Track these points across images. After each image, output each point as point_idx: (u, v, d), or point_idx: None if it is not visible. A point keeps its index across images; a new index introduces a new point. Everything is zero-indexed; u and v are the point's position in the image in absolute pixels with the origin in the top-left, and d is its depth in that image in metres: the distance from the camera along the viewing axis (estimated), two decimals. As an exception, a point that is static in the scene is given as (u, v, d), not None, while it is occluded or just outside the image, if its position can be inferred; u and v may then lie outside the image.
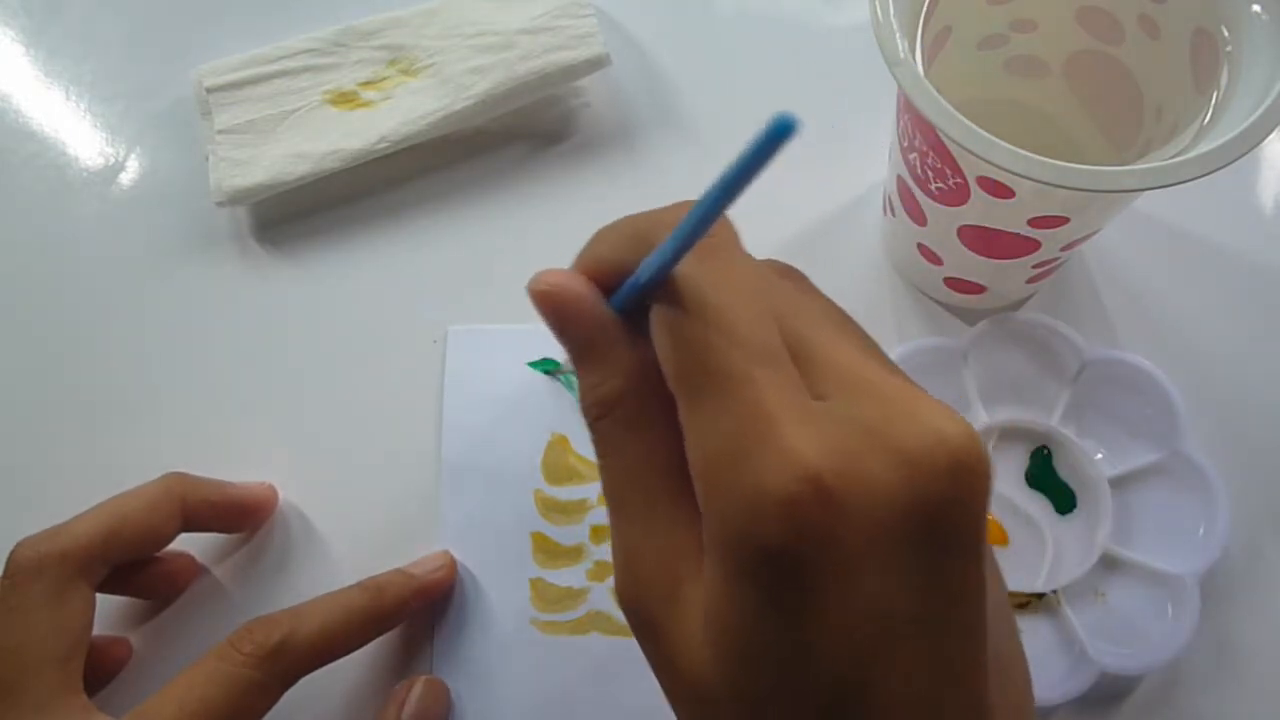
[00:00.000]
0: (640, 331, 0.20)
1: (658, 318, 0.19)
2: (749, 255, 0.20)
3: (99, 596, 0.30)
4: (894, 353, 0.35)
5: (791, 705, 0.17)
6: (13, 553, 0.29)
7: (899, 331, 0.38)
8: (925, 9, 0.29)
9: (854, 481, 0.16)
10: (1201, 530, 0.33)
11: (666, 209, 0.20)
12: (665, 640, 0.18)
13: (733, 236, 0.20)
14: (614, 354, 0.20)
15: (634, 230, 0.20)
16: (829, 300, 0.22)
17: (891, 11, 0.27)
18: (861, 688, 0.17)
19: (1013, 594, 0.34)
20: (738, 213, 0.18)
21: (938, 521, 0.17)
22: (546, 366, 0.38)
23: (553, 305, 0.20)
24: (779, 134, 0.14)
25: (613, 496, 0.20)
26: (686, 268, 0.18)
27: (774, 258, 0.22)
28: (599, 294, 0.20)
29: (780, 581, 0.16)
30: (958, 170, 0.29)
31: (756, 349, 0.18)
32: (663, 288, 0.18)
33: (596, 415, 0.20)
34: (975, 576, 0.17)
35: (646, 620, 0.19)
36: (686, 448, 0.18)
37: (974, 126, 0.25)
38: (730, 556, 0.17)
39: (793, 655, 0.17)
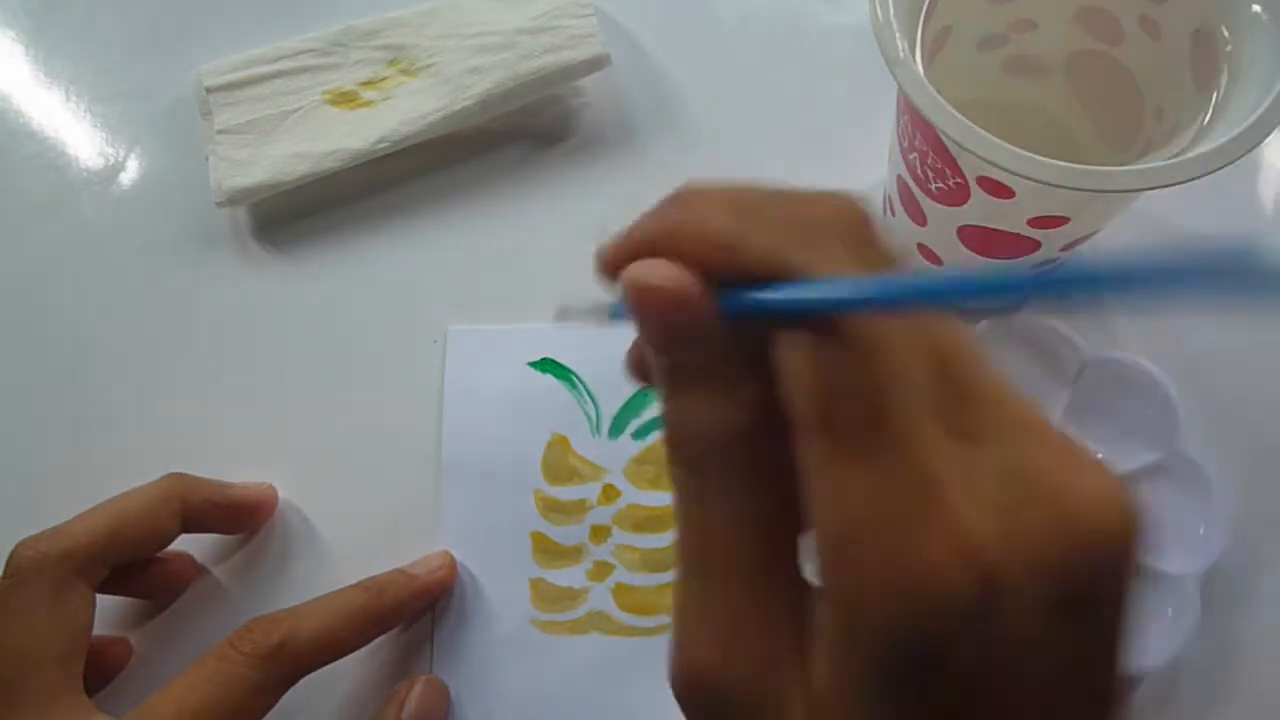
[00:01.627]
0: (749, 351, 0.16)
1: (803, 343, 0.15)
2: None
3: (99, 596, 0.30)
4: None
5: None
6: (13, 553, 0.29)
7: (899, 331, 0.38)
8: (925, 9, 0.29)
9: (1011, 552, 0.14)
10: (1201, 530, 0.33)
11: (810, 201, 0.16)
12: None
13: (892, 254, 0.16)
14: (733, 382, 0.16)
15: (770, 218, 0.16)
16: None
17: (891, 11, 0.27)
18: None
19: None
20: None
21: (1098, 595, 0.14)
22: (546, 367, 0.38)
23: (666, 312, 0.15)
24: (1251, 262, 0.10)
25: (695, 551, 0.16)
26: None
27: None
28: (712, 299, 0.15)
29: (925, 675, 0.14)
30: (958, 170, 0.29)
31: (925, 402, 0.14)
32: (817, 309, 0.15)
33: (694, 454, 0.16)
34: (1121, 648, 0.15)
35: (728, 705, 0.15)
36: (816, 505, 0.15)
37: (974, 126, 0.25)
38: (866, 647, 0.14)
39: None
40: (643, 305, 0.15)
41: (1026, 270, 0.13)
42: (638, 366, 0.19)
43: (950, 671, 0.14)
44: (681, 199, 0.16)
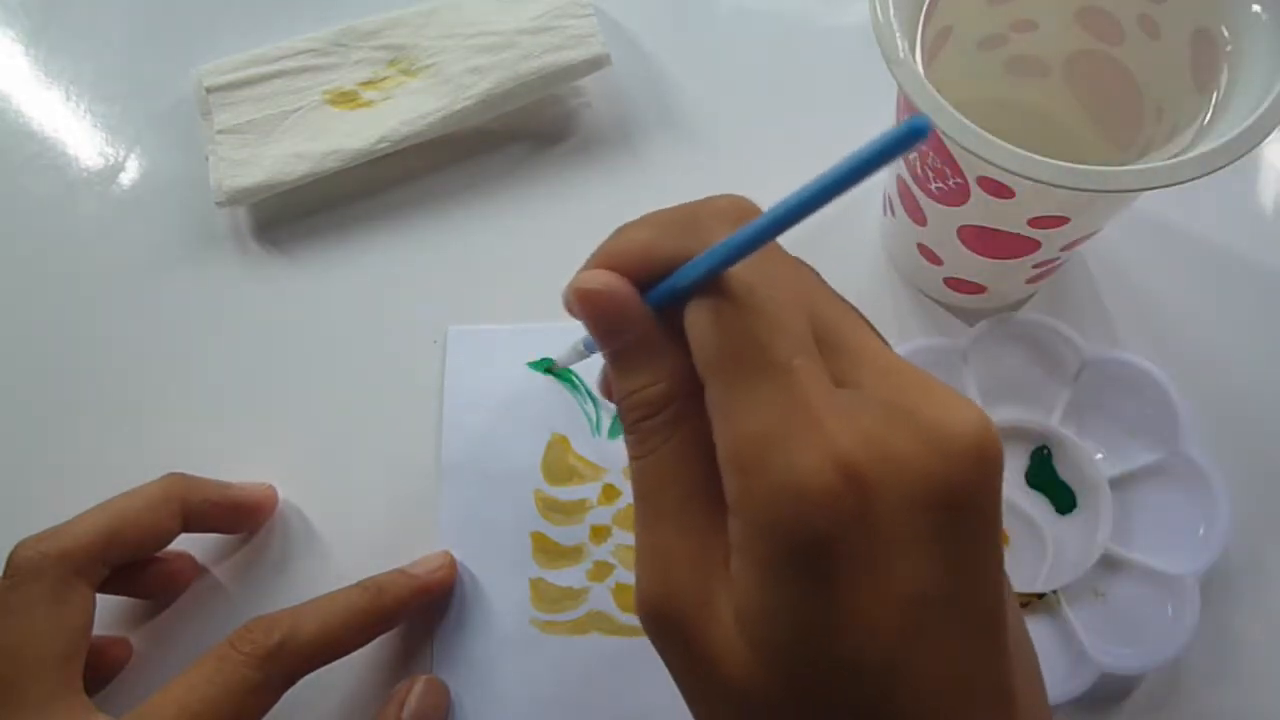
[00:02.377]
0: (674, 331, 0.19)
1: (698, 305, 0.18)
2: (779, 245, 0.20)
3: (99, 596, 0.30)
4: (894, 353, 0.35)
5: (831, 691, 0.17)
6: (13, 553, 0.29)
7: (899, 331, 0.38)
8: (925, 9, 0.29)
9: (886, 465, 0.17)
10: (1201, 530, 0.33)
11: (703, 202, 0.20)
12: (699, 643, 0.18)
13: None
14: (660, 356, 0.20)
15: (678, 221, 0.20)
16: (838, 292, 0.22)
17: (891, 11, 0.27)
18: (897, 670, 0.17)
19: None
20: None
21: (964, 505, 0.17)
22: (547, 366, 0.38)
23: (602, 308, 0.20)
24: (914, 135, 0.14)
25: (644, 496, 0.20)
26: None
27: None
28: (638, 294, 0.20)
29: (815, 568, 0.17)
30: (958, 170, 0.29)
31: (797, 339, 0.18)
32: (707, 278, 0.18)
33: (640, 417, 0.20)
34: (997, 560, 0.18)
35: (676, 623, 0.19)
36: (716, 437, 0.18)
37: (974, 126, 0.25)
38: (763, 545, 0.17)
39: (829, 641, 0.17)
40: (582, 305, 0.20)
41: (828, 176, 0.16)
42: (608, 387, 0.23)
43: (839, 562, 0.17)
44: (616, 231, 0.21)
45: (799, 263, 0.22)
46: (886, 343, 0.21)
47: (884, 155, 0.15)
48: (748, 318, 0.18)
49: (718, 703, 0.19)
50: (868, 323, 0.21)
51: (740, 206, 0.20)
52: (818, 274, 0.22)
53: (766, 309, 0.18)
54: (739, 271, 0.18)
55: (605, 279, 0.19)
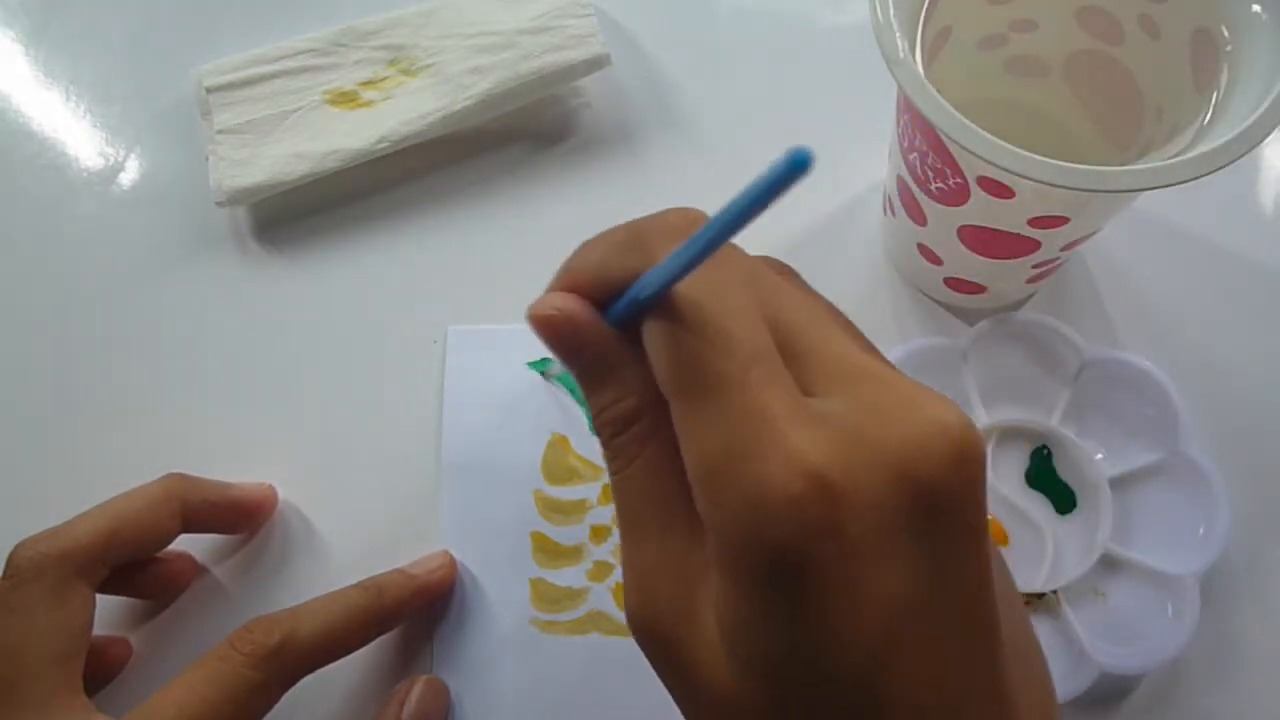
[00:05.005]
0: (637, 343, 0.19)
1: (651, 329, 0.19)
2: (739, 250, 0.20)
3: (99, 596, 0.30)
4: (894, 353, 0.35)
5: (815, 702, 0.17)
6: (13, 553, 0.29)
7: (899, 331, 0.38)
8: (925, 9, 0.29)
9: (855, 474, 0.16)
10: (1201, 530, 0.33)
11: (653, 218, 0.20)
12: (684, 658, 0.18)
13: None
14: (624, 372, 0.20)
15: (626, 240, 0.20)
16: (819, 296, 0.22)
17: (891, 11, 0.27)
18: (881, 678, 0.17)
19: (1013, 594, 0.34)
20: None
21: (940, 507, 0.17)
22: (545, 367, 0.38)
23: (558, 331, 0.20)
24: (795, 169, 0.14)
25: (627, 513, 0.20)
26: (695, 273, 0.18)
27: (771, 256, 0.22)
28: (596, 313, 0.20)
29: (790, 581, 0.16)
30: (958, 170, 0.29)
31: (751, 352, 0.17)
32: (655, 298, 0.19)
33: (612, 433, 0.20)
34: (981, 564, 0.17)
35: (663, 640, 0.19)
36: (684, 454, 0.18)
37: (974, 126, 0.25)
38: (737, 561, 0.17)
39: (810, 653, 0.17)
40: (538, 329, 0.20)
41: (756, 187, 0.15)
42: None
43: (814, 572, 0.16)
44: (575, 251, 0.21)
45: (761, 268, 0.21)
46: (868, 342, 0.21)
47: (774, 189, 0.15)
48: (697, 334, 0.18)
49: (701, 710, 0.19)
50: (844, 323, 0.21)
51: (691, 219, 0.20)
52: (797, 277, 0.22)
53: (716, 323, 0.18)
54: (688, 288, 0.18)
55: (559, 302, 0.20)
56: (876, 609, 0.16)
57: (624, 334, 0.20)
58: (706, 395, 0.17)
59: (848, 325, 0.21)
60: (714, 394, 0.17)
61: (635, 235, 0.20)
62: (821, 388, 0.18)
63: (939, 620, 0.17)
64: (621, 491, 0.20)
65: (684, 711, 0.19)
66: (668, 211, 0.20)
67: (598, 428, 0.20)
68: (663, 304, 0.18)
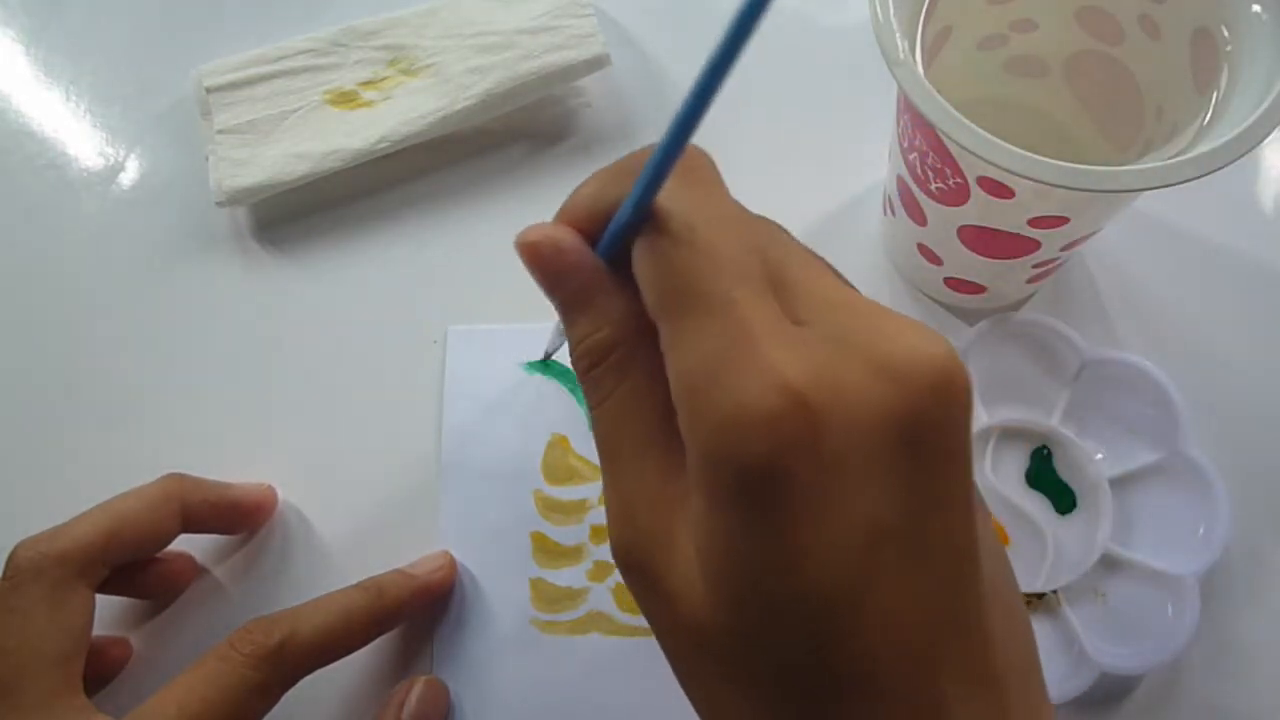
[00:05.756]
0: (626, 279, 0.20)
1: (641, 246, 0.19)
2: (730, 195, 0.20)
3: (99, 597, 0.30)
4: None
5: (787, 626, 0.17)
6: (12, 553, 0.29)
7: (899, 331, 0.38)
8: (925, 9, 0.29)
9: (835, 394, 0.16)
10: (1201, 530, 0.33)
11: (644, 149, 0.20)
12: (661, 585, 0.18)
13: (716, 173, 0.20)
14: (604, 302, 0.20)
15: (617, 168, 0.20)
16: (804, 245, 0.22)
17: (891, 11, 0.27)
18: (851, 604, 0.16)
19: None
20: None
21: (921, 435, 0.16)
22: (540, 365, 0.38)
23: (540, 257, 0.20)
24: (754, 8, 0.14)
25: (605, 444, 0.20)
26: (670, 197, 0.18)
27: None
28: (585, 243, 0.20)
29: (764, 498, 0.16)
30: (958, 170, 0.29)
31: (739, 273, 0.18)
32: (647, 220, 0.19)
33: (589, 365, 0.20)
34: (962, 494, 0.17)
35: (641, 568, 0.19)
36: (668, 373, 0.18)
37: (974, 126, 0.25)
38: (713, 478, 0.17)
39: (781, 574, 0.16)
40: (524, 255, 0.20)
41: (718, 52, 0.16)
42: None
43: (789, 490, 0.16)
44: (575, 189, 0.21)
45: (758, 216, 0.21)
46: (852, 287, 0.21)
47: (753, 15, 0.15)
48: (688, 252, 0.18)
49: (681, 641, 0.18)
50: (833, 270, 0.21)
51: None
52: (780, 227, 0.22)
53: (707, 243, 0.18)
54: (681, 212, 0.18)
55: (546, 230, 0.20)
56: (850, 531, 0.16)
57: (615, 269, 0.20)
58: (692, 312, 0.17)
59: (832, 267, 0.21)
60: (699, 311, 0.17)
61: (626, 161, 0.20)
62: (806, 316, 0.18)
63: (919, 550, 0.17)
64: (600, 424, 0.20)
65: (663, 645, 0.19)
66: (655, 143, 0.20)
67: (576, 360, 0.20)
68: (653, 224, 0.18)
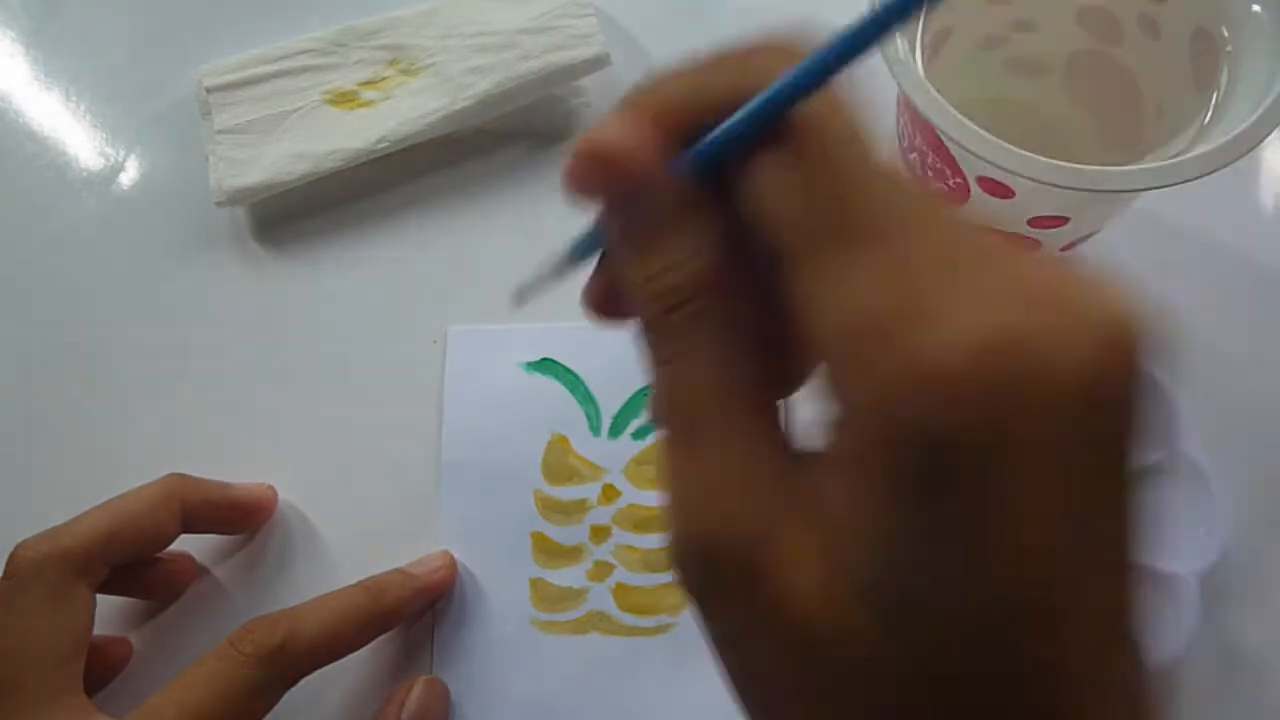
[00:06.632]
0: (711, 205, 0.16)
1: (776, 161, 0.15)
2: None
3: (99, 597, 0.30)
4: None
5: (960, 645, 0.13)
6: (13, 553, 0.29)
7: (899, 331, 0.38)
8: (925, 9, 0.29)
9: (1031, 354, 0.13)
10: (1201, 530, 0.33)
11: (754, 39, 0.16)
12: (764, 590, 0.14)
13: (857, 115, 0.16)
14: (692, 231, 0.16)
15: (719, 58, 0.16)
16: None
17: (891, 11, 0.27)
18: (1045, 619, 0.13)
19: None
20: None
21: (1124, 412, 0.13)
22: (546, 367, 0.38)
23: (612, 167, 0.15)
24: None
25: (677, 411, 0.16)
26: (823, 109, 0.15)
27: None
28: (664, 150, 0.15)
29: (947, 481, 0.13)
30: (958, 170, 0.29)
31: (919, 199, 0.14)
32: (782, 130, 0.15)
33: (663, 310, 0.16)
34: (1138, 496, 0.14)
35: (735, 566, 0.15)
36: (808, 318, 0.14)
37: (974, 126, 0.25)
38: (885, 452, 0.13)
39: (961, 581, 0.13)
40: (589, 164, 0.15)
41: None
42: (598, 302, 0.19)
43: (983, 472, 0.13)
44: (657, 77, 0.16)
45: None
46: None
47: None
48: (857, 174, 0.14)
49: (789, 660, 0.14)
50: None
51: (799, 41, 0.16)
52: None
53: (875, 168, 0.14)
54: (838, 129, 0.15)
55: (619, 129, 0.15)
56: (1049, 533, 0.13)
57: (694, 190, 0.16)
58: (859, 249, 0.14)
59: None
60: (870, 248, 0.14)
61: (739, 54, 0.16)
62: (975, 266, 0.14)
63: (1122, 555, 0.14)
64: (673, 387, 0.16)
65: (746, 661, 0.15)
66: (764, 33, 0.16)
67: (644, 301, 0.16)
68: (794, 136, 0.15)
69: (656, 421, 0.16)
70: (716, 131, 0.15)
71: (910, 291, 0.13)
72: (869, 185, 0.14)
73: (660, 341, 0.16)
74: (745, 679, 0.16)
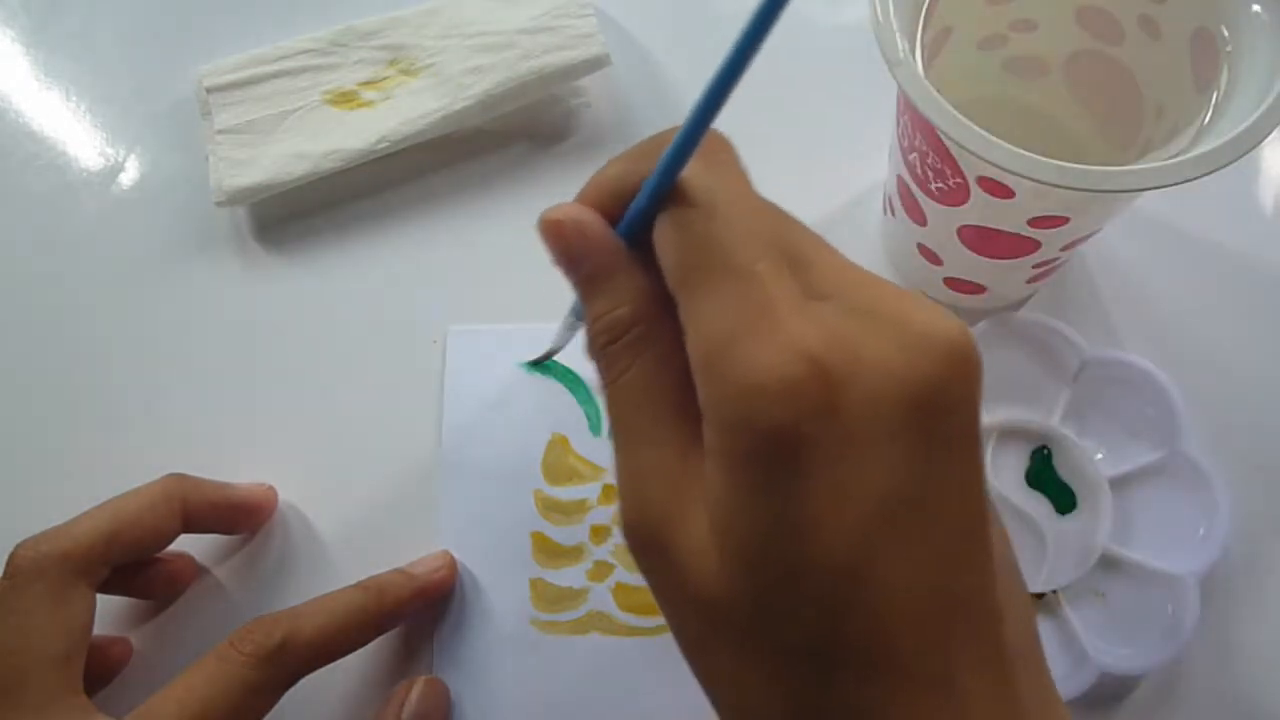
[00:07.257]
0: (644, 261, 0.20)
1: (664, 219, 0.19)
2: (749, 179, 0.20)
3: (99, 597, 0.30)
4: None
5: (797, 596, 0.17)
6: (13, 554, 0.29)
7: (899, 331, 0.38)
8: (925, 9, 0.29)
9: (855, 364, 0.16)
10: (1201, 530, 0.33)
11: (667, 130, 0.20)
12: (672, 558, 0.18)
13: (737, 157, 0.20)
14: (624, 279, 0.20)
15: (640, 149, 0.20)
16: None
17: (891, 11, 0.27)
18: (863, 573, 0.16)
19: (1013, 594, 0.33)
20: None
21: (938, 408, 0.17)
22: (547, 367, 0.38)
23: (563, 236, 0.20)
24: (775, 3, 0.15)
25: (619, 420, 0.20)
26: (693, 173, 0.19)
27: None
28: (606, 223, 0.20)
29: (780, 464, 0.16)
30: (958, 170, 0.29)
31: (761, 246, 0.18)
32: (670, 194, 0.19)
33: (605, 341, 0.20)
34: (975, 472, 0.18)
35: (652, 541, 0.19)
36: (687, 343, 0.18)
37: (974, 126, 0.25)
38: (730, 444, 0.17)
39: (795, 541, 0.16)
40: (546, 233, 0.20)
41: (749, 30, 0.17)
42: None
43: (806, 457, 0.16)
44: (596, 172, 0.21)
45: (770, 202, 0.21)
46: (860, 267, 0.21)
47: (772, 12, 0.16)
48: (711, 224, 0.18)
49: (689, 614, 0.19)
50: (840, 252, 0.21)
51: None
52: (793, 216, 0.22)
53: (730, 218, 0.18)
54: (705, 188, 0.19)
55: (568, 209, 0.20)
56: (865, 500, 0.16)
57: (634, 249, 0.20)
58: (714, 282, 0.18)
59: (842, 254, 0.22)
60: (722, 281, 0.18)
61: (646, 145, 0.20)
62: (825, 292, 0.18)
63: (930, 521, 0.17)
64: (615, 401, 0.20)
65: (671, 622, 0.19)
66: (675, 126, 0.20)
67: (593, 337, 0.20)
68: (676, 199, 0.19)
69: (611, 433, 0.20)
70: (631, 206, 0.20)
71: (753, 313, 0.17)
72: (729, 228, 0.18)
73: (608, 367, 0.20)
74: (682, 643, 0.19)
